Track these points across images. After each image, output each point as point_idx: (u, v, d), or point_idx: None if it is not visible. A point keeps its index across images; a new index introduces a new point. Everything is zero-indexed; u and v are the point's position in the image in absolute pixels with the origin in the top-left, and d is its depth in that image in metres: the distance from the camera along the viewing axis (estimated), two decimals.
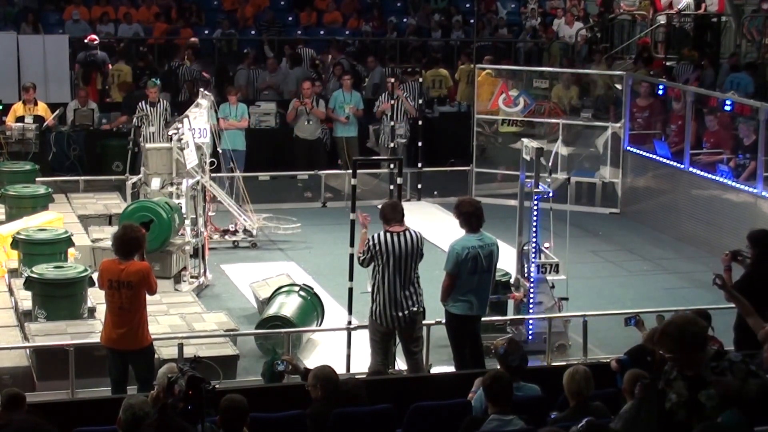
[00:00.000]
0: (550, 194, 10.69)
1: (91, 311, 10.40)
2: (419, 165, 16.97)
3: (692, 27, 22.45)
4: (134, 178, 13.71)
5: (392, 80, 17.62)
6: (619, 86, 16.94)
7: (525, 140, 11.25)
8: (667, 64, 21.01)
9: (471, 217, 9.36)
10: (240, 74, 19.90)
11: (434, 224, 14.63)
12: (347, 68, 19.56)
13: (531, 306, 10.68)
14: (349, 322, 10.01)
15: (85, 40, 19.67)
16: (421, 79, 19.37)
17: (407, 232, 9.11)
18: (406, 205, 10.01)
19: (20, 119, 16.03)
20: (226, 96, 17.00)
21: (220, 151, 14.02)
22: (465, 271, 9.24)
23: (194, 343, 9.74)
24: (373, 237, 9.07)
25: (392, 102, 17.15)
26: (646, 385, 5.79)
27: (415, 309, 9.11)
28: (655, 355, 7.60)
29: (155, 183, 12.67)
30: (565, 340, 10.67)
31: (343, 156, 17.24)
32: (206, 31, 22.74)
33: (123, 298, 8.60)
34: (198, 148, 12.64)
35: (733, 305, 8.33)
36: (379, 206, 9.47)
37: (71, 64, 18.74)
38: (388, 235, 9.05)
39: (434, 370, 9.77)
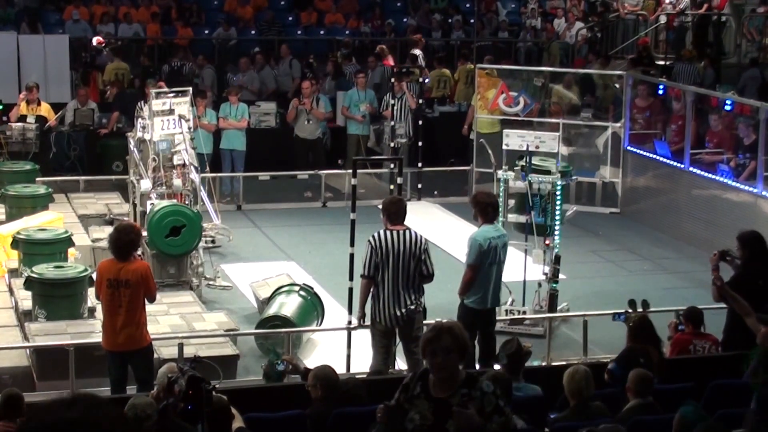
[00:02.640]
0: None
1: (91, 311, 10.41)
2: (419, 165, 16.96)
3: (693, 27, 22.46)
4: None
5: (395, 80, 17.64)
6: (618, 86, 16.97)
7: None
8: (668, 63, 20.99)
9: (488, 207, 9.43)
10: (206, 73, 19.76)
11: (434, 224, 14.64)
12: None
13: None
14: (349, 322, 10.00)
15: (94, 43, 19.72)
16: (428, 80, 19.38)
17: (408, 232, 9.11)
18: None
19: (22, 118, 16.05)
20: (226, 96, 17.01)
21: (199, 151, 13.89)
22: (486, 262, 9.31)
23: (194, 343, 9.74)
24: (373, 236, 9.07)
25: (392, 102, 17.15)
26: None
27: (413, 308, 9.10)
28: (649, 354, 7.58)
29: (145, 184, 12.64)
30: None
31: (354, 153, 17.14)
32: (206, 31, 22.74)
33: (122, 297, 8.61)
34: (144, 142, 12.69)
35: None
36: (380, 206, 9.47)
37: (71, 64, 18.74)
38: (389, 233, 9.05)
39: None
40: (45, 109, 16.41)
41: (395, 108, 17.13)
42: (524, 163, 11.07)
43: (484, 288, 9.38)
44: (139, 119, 13.09)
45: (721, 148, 15.31)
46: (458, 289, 9.52)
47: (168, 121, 12.55)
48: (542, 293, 11.17)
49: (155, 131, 12.50)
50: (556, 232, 11.12)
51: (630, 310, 8.62)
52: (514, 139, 11.96)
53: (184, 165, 12.60)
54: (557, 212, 11.10)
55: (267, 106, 18.36)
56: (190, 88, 13.87)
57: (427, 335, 5.10)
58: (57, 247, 11.32)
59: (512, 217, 11.28)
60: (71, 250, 11.59)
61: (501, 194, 11.09)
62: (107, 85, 18.94)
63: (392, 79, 17.77)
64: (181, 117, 12.66)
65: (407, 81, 18.19)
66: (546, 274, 11.03)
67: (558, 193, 11.03)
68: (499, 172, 11.39)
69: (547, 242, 11.10)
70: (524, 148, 11.41)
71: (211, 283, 12.30)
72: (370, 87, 19.61)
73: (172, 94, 13.09)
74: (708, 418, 5.96)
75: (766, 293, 8.58)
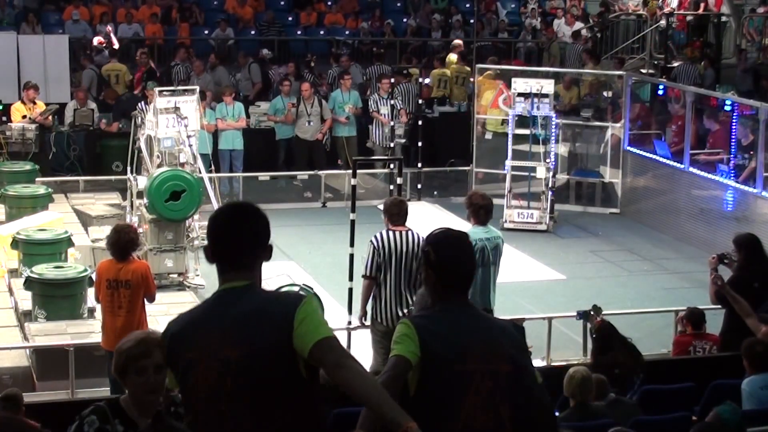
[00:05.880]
0: None
1: (91, 311, 10.39)
2: (419, 165, 16.95)
3: (690, 27, 22.50)
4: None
5: (391, 80, 17.62)
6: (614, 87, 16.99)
7: None
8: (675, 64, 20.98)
9: (480, 209, 9.39)
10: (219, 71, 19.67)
11: (434, 224, 14.60)
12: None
13: None
14: (349, 322, 10.01)
15: (95, 43, 19.70)
16: (428, 80, 19.36)
17: (410, 233, 9.12)
18: None
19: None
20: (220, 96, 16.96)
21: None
22: None
23: None
24: (376, 237, 9.07)
25: (391, 102, 17.16)
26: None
27: (414, 308, 9.11)
28: (619, 362, 7.55)
29: (142, 181, 12.64)
30: None
31: (344, 155, 17.23)
32: (206, 31, 22.74)
33: (122, 297, 8.61)
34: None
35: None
36: (380, 206, 9.47)
37: (71, 64, 18.73)
38: (391, 233, 9.05)
39: None
40: (41, 109, 16.39)
41: (394, 107, 17.12)
42: None
43: (472, 290, 9.30)
44: (141, 118, 13.07)
45: (719, 149, 15.32)
46: None
47: (174, 119, 12.57)
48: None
49: (160, 129, 12.53)
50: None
51: (592, 312, 8.55)
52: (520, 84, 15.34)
53: (195, 160, 12.62)
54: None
55: (266, 106, 18.34)
56: (197, 87, 13.88)
57: (132, 351, 4.22)
58: (57, 248, 11.31)
59: None
60: (71, 251, 11.58)
61: None
62: (105, 88, 18.94)
63: (391, 79, 17.74)
64: (177, 114, 12.65)
65: (404, 82, 18.22)
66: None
67: None
68: None
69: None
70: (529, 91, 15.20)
71: (186, 280, 12.23)
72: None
73: (177, 92, 13.11)
74: (742, 420, 5.91)
75: (762, 295, 8.62)
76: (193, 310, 4.04)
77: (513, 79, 15.67)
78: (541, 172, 15.28)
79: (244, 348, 3.74)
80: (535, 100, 15.18)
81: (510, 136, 15.53)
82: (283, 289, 11.34)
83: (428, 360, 3.98)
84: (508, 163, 15.50)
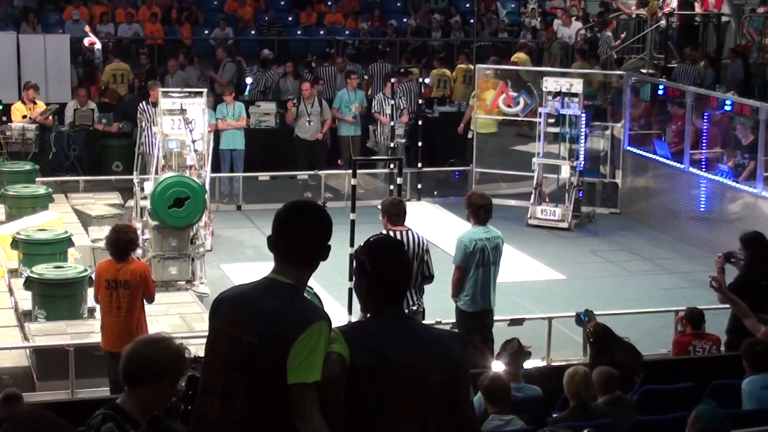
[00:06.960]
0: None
1: (91, 311, 10.38)
2: (419, 165, 16.95)
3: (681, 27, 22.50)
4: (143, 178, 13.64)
5: (393, 80, 17.61)
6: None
7: None
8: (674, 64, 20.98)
9: (480, 209, 9.39)
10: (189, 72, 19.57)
11: (434, 224, 14.64)
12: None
13: None
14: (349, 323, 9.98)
15: (86, 44, 19.70)
16: (428, 79, 19.34)
17: (409, 233, 9.10)
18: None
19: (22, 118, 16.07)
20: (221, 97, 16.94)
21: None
22: (473, 263, 9.26)
23: (194, 343, 9.70)
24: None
25: (392, 102, 17.15)
26: None
27: (414, 309, 9.09)
28: (618, 361, 7.55)
29: (148, 186, 12.64)
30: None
31: (347, 154, 17.17)
32: (206, 31, 22.75)
33: (120, 298, 8.61)
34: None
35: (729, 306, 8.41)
36: (379, 206, 9.46)
37: (72, 64, 18.73)
38: (391, 233, 9.04)
39: None
40: (41, 109, 16.40)
41: (394, 107, 17.11)
42: None
43: (472, 290, 9.34)
44: (144, 120, 13.08)
45: (715, 149, 15.33)
46: (450, 292, 9.50)
47: (179, 121, 12.55)
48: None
49: (164, 129, 12.52)
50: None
51: (586, 318, 8.54)
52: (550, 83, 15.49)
53: (202, 165, 12.59)
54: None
55: (267, 106, 18.34)
56: (205, 90, 13.86)
57: (179, 365, 4.49)
58: (57, 248, 11.29)
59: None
60: (71, 251, 11.57)
61: None
62: (105, 87, 18.93)
63: (392, 79, 17.74)
64: (183, 118, 12.63)
65: (405, 81, 18.20)
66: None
67: None
68: None
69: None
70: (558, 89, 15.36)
71: (192, 287, 12.21)
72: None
73: (184, 94, 13.10)
74: (724, 419, 5.91)
75: None
76: (243, 285, 4.19)
77: (544, 78, 15.74)
78: (565, 170, 15.41)
79: (253, 338, 3.91)
80: (565, 99, 15.33)
81: (542, 134, 15.61)
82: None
83: (353, 369, 3.91)
84: (536, 160, 15.58)
